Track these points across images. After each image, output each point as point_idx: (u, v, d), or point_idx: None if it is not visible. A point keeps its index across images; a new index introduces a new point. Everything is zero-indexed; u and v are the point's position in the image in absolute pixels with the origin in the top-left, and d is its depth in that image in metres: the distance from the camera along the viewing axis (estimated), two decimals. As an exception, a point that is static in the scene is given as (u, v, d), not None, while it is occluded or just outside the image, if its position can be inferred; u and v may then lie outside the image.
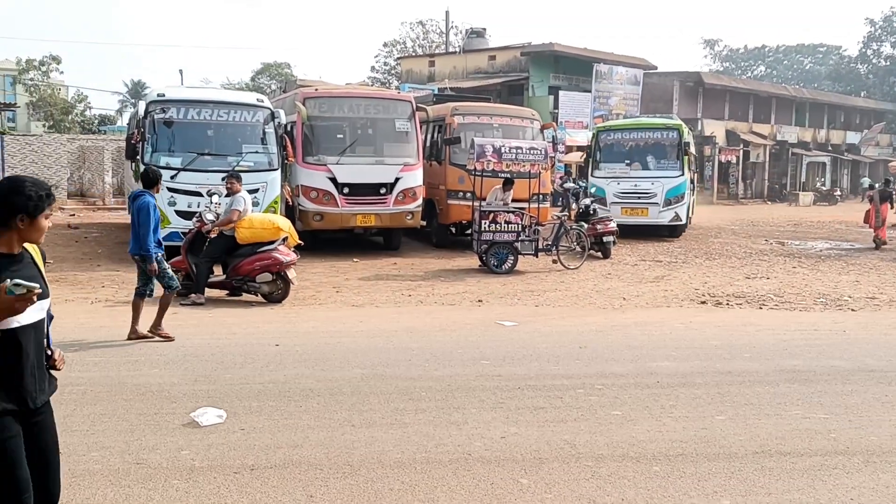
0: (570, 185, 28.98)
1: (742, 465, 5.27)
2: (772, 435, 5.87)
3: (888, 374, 7.74)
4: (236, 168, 13.52)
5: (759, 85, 54.13)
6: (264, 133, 14.59)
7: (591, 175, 21.93)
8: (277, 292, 11.11)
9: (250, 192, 12.53)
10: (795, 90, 53.39)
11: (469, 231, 17.76)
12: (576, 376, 7.44)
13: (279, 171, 14.56)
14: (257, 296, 11.13)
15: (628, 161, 21.66)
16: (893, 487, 4.93)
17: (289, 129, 15.43)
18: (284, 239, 11.09)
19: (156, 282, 8.72)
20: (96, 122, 54.83)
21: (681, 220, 21.39)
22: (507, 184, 15.25)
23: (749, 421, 6.21)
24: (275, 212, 13.87)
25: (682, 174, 21.14)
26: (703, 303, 12.10)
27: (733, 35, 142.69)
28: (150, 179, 8.66)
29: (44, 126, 48.05)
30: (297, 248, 11.60)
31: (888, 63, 65.17)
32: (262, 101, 15.19)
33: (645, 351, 8.61)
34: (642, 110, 37.32)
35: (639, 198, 21.06)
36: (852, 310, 11.62)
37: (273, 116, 14.64)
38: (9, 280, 2.85)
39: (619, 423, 6.13)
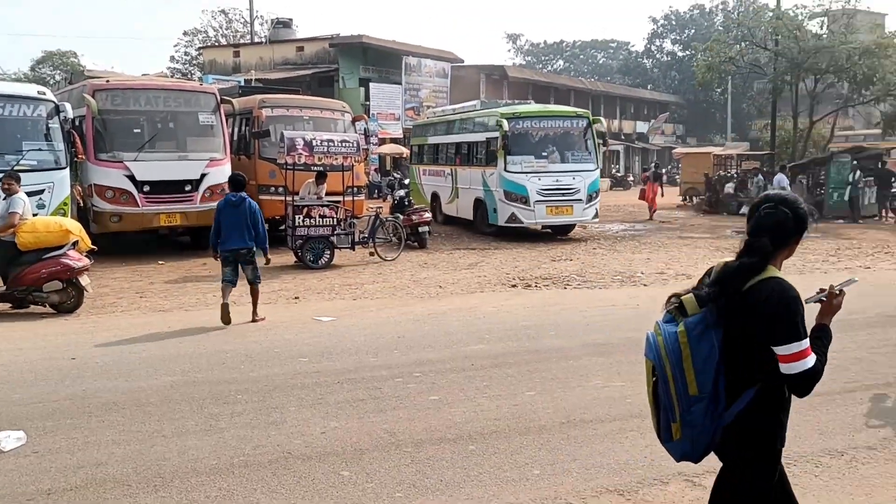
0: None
1: (550, 437, 5.54)
2: (576, 406, 6.22)
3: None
4: (15, 167, 12.36)
5: (558, 78, 57.04)
6: (48, 128, 13.35)
7: (505, 170, 18.26)
8: (69, 302, 10.30)
9: (35, 192, 11.64)
10: (591, 83, 56.78)
11: (282, 227, 17.42)
12: (394, 366, 7.50)
13: (67, 169, 13.49)
14: (45, 306, 10.28)
15: (544, 153, 18.70)
16: (685, 445, 5.36)
17: (77, 124, 14.39)
18: (75, 243, 10.29)
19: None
20: None
21: (597, 218, 19.77)
22: (321, 177, 15.08)
23: (556, 394, 6.53)
24: (65, 214, 12.84)
25: (597, 166, 19.34)
26: (514, 286, 12.57)
27: (534, 30, 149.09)
28: None
29: None
30: (92, 253, 10.84)
31: (669, 58, 70.60)
32: (45, 94, 13.92)
33: (460, 336, 8.83)
34: (451, 102, 38.17)
35: (563, 195, 18.41)
36: (644, 285, 12.52)
37: (58, 110, 13.42)
38: None
39: (436, 407, 6.24)
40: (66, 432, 5.64)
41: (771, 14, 31.40)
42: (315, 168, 15.20)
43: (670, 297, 2.98)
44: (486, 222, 19.40)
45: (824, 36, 29.99)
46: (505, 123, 18.10)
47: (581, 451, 5.26)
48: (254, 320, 9.77)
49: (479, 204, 19.73)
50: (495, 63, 50.89)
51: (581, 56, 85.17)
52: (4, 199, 10.34)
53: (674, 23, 70.79)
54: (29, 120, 13.37)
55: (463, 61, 44.84)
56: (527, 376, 7.10)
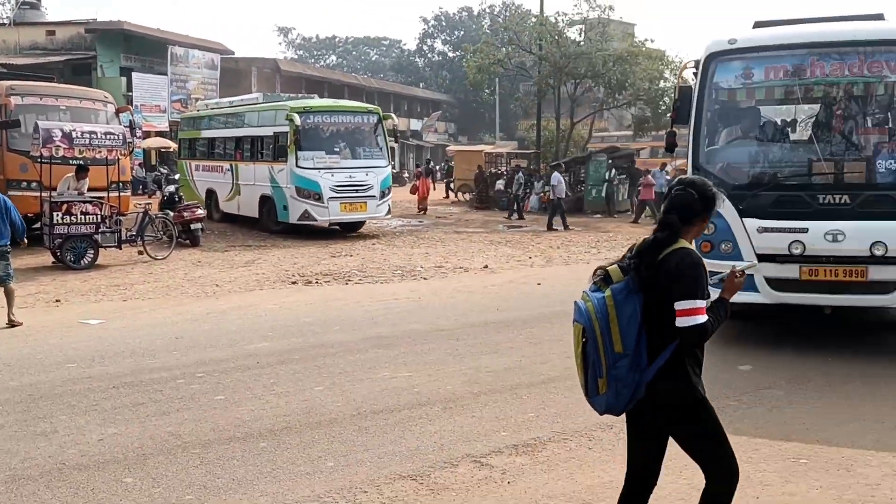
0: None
1: (342, 429, 5.66)
2: (365, 398, 6.39)
3: (456, 331, 8.86)
4: None
5: (332, 73, 57.05)
6: None
7: (296, 166, 17.70)
8: None
9: None
10: (365, 80, 57.30)
11: (38, 225, 16.07)
12: (175, 367, 7.28)
13: None
14: None
15: (337, 149, 18.48)
16: (467, 426, 5.71)
17: None
18: None
19: None
20: None
21: (390, 214, 19.89)
22: (81, 171, 14.09)
23: (345, 387, 6.67)
24: None
25: (388, 163, 19.52)
26: (294, 283, 12.53)
27: (307, 24, 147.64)
28: None
29: None
30: None
31: (441, 58, 72.96)
32: None
33: (242, 334, 8.71)
34: (221, 95, 36.95)
35: (356, 191, 18.27)
36: (424, 279, 12.99)
37: None
38: None
39: (223, 407, 6.16)
40: None
41: (535, 20, 33.44)
42: (74, 162, 14.18)
43: (596, 270, 3.41)
44: (273, 220, 18.79)
45: (582, 43, 32.46)
46: (296, 118, 17.56)
47: (373, 441, 5.42)
48: (11, 324, 9.02)
49: (265, 201, 19.00)
50: (267, 56, 49.99)
51: (354, 52, 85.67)
52: None
53: (444, 24, 73.15)
54: None
55: (233, 53, 43.58)
56: (314, 371, 7.17)
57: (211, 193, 21.69)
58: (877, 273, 7.18)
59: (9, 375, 6.95)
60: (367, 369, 7.25)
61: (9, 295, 9.25)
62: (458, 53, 67.01)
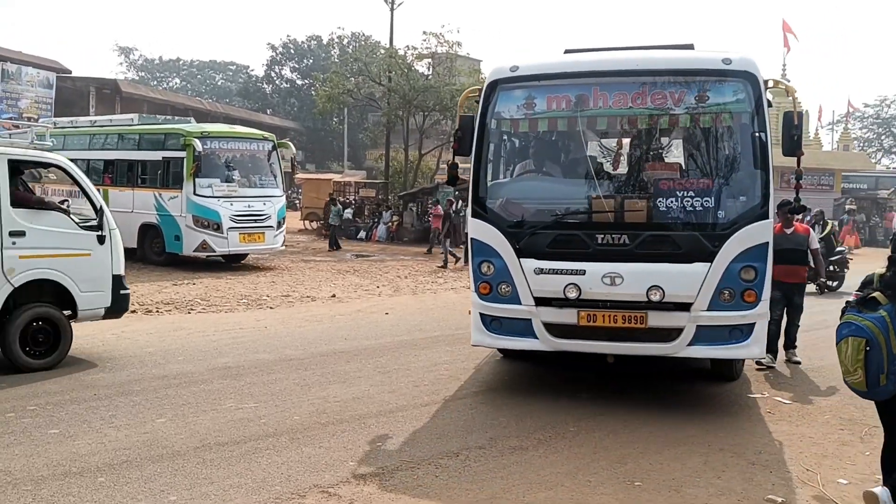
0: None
1: (185, 462, 5.61)
2: (210, 429, 6.35)
3: (304, 361, 8.92)
4: None
5: (176, 97, 55.24)
6: None
7: (194, 193, 16.87)
8: None
9: None
10: (210, 104, 55.84)
11: None
12: (3, 400, 6.93)
13: None
14: None
15: (232, 177, 17.64)
16: (315, 456, 5.79)
17: None
18: None
19: None
20: None
21: (284, 246, 19.44)
22: None
23: (189, 419, 6.60)
24: None
25: (283, 192, 19.03)
26: (134, 311, 12.09)
27: (149, 45, 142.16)
28: None
29: None
30: None
31: (289, 85, 72.36)
32: None
33: (73, 367, 8.36)
34: (56, 115, 35.03)
35: (255, 221, 17.62)
36: (271, 308, 12.91)
37: None
38: None
39: (57, 441, 5.96)
40: None
41: (384, 52, 34.02)
42: None
43: (848, 302, 4.73)
44: (157, 251, 17.78)
45: (430, 77, 33.32)
46: (196, 143, 16.69)
47: (218, 474, 5.40)
48: None
49: (147, 230, 17.90)
50: (106, 77, 47.85)
51: (199, 76, 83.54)
52: None
53: (292, 51, 72.59)
54: None
55: (70, 72, 41.46)
56: (156, 402, 7.03)
57: None
58: (657, 319, 6.77)
59: None
60: (212, 400, 7.19)
61: None
62: (306, 81, 66.82)
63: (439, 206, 23.92)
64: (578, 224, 7.10)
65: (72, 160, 20.02)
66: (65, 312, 8.44)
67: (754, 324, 6.77)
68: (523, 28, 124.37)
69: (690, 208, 6.78)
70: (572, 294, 6.84)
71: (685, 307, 6.71)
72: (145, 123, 19.68)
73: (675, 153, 7.43)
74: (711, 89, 6.87)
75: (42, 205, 8.67)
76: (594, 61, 7.48)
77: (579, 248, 6.91)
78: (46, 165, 9.40)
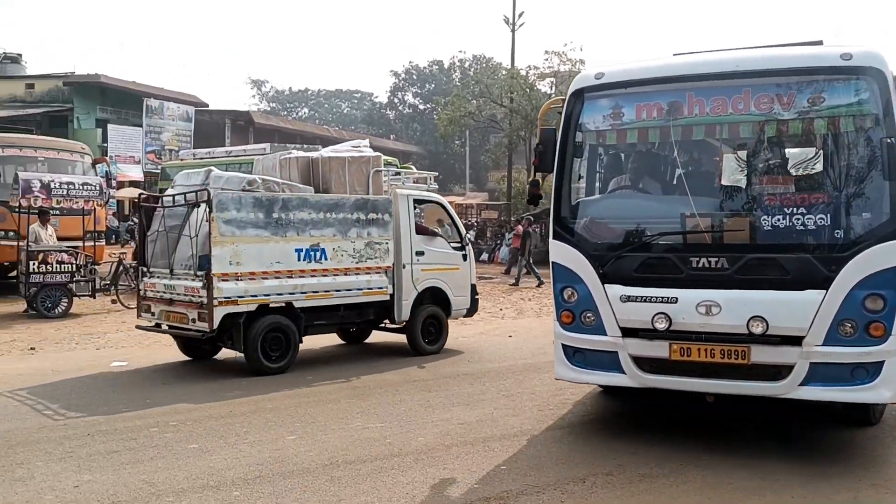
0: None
1: (315, 479, 5.77)
2: (338, 447, 6.52)
3: (428, 383, 9.05)
4: None
5: (304, 125, 57.54)
6: None
7: None
8: None
9: None
10: (336, 132, 57.79)
11: (13, 274, 16.08)
12: (149, 416, 7.38)
13: None
14: None
15: None
16: (439, 478, 5.84)
17: None
18: None
19: None
20: None
21: None
22: (43, 215, 14.15)
23: (317, 437, 6.81)
24: None
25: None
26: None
27: (279, 77, 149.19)
28: None
29: None
30: None
31: (411, 110, 74.02)
32: None
33: (221, 384, 8.81)
34: (195, 146, 37.22)
35: None
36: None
37: None
38: None
39: (196, 455, 6.27)
40: None
41: (505, 73, 34.28)
42: (54, 212, 14.39)
43: None
44: None
45: (553, 96, 33.32)
46: (254, 165, 17.32)
47: (345, 491, 5.53)
48: None
49: None
50: (240, 109, 50.43)
51: (326, 105, 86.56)
52: None
53: (415, 77, 74.22)
54: None
55: (207, 105, 44.00)
56: (287, 420, 7.30)
57: None
58: (762, 355, 5.92)
59: (-16, 424, 7.02)
60: (340, 419, 7.40)
61: None
62: (428, 106, 68.06)
63: (520, 226, 23.61)
64: (670, 246, 6.37)
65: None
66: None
67: (883, 362, 5.73)
68: (649, 43, 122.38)
69: (801, 227, 5.94)
70: (661, 325, 6.15)
71: (795, 341, 5.85)
72: (275, 152, 20.47)
73: (784, 164, 6.43)
74: (828, 90, 5.99)
75: (430, 232, 11.32)
76: (687, 63, 6.67)
77: (671, 272, 6.23)
78: (431, 202, 11.89)
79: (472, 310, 11.68)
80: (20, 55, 42.62)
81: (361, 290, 10.03)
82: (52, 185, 13.80)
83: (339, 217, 9.80)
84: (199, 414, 7.48)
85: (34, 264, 13.37)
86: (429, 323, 10.91)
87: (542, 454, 6.41)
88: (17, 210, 13.95)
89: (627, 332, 6.34)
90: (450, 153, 64.75)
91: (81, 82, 37.05)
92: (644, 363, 6.33)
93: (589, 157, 7.04)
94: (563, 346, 6.78)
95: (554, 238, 6.85)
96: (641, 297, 6.25)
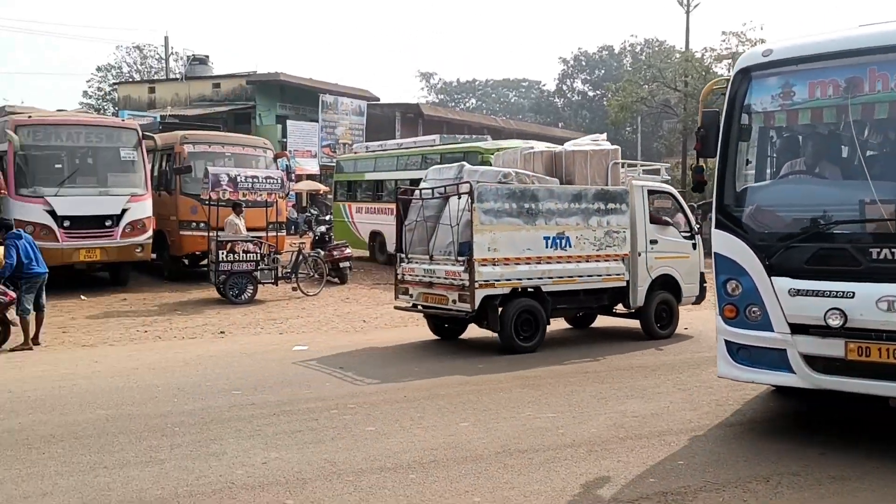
0: None
1: (487, 465, 5.80)
2: (510, 435, 6.52)
3: (601, 374, 8.89)
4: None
5: (472, 116, 58.12)
6: (-30, 164, 13.24)
7: None
8: (-5, 337, 10.17)
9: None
10: (504, 121, 57.96)
11: (204, 262, 17.31)
12: (328, 398, 7.68)
13: (-11, 204, 13.26)
14: (-29, 340, 10.09)
15: None
16: (614, 470, 5.71)
17: (-1, 159, 14.11)
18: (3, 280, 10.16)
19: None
20: None
21: None
22: (237, 208, 15.13)
23: (490, 425, 6.83)
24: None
25: None
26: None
27: (447, 69, 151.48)
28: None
29: None
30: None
31: (580, 97, 73.01)
32: (-32, 130, 13.76)
33: (389, 369, 9.07)
34: (367, 139, 38.55)
35: None
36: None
37: (-21, 146, 13.33)
38: None
39: (373, 438, 6.45)
40: (9, 464, 5.63)
41: (679, 56, 33.02)
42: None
43: None
44: None
45: (731, 78, 31.69)
46: (492, 159, 17.61)
47: (518, 479, 5.52)
48: (36, 344, 10.40)
49: None
50: (410, 101, 51.64)
51: (493, 95, 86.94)
52: None
53: (584, 63, 73.09)
54: None
55: (379, 99, 45.34)
56: (459, 407, 7.38)
57: (375, 235, 21.55)
58: None
59: (183, 400, 7.56)
60: (512, 408, 7.39)
61: (41, 321, 10.62)
62: (598, 93, 66.86)
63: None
64: (846, 236, 5.91)
65: (382, 180, 21.97)
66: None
67: None
68: (842, 20, 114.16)
69: None
70: (835, 321, 5.68)
71: None
72: (446, 143, 20.84)
73: None
74: None
75: (663, 222, 11.56)
76: (867, 35, 6.05)
77: (847, 264, 5.75)
78: (663, 192, 12.18)
79: (701, 297, 11.97)
80: (207, 57, 45.77)
81: (601, 276, 10.63)
82: (239, 179, 14.69)
83: (582, 207, 10.44)
84: (375, 398, 7.71)
85: (223, 253, 14.29)
86: (661, 309, 11.34)
87: (722, 450, 6.12)
88: (207, 202, 14.97)
89: (797, 329, 5.94)
90: (620, 140, 63.05)
91: (263, 81, 39.28)
92: (816, 362, 5.90)
93: (756, 140, 6.65)
94: (727, 342, 6.44)
95: (717, 227, 6.51)
96: (813, 290, 5.85)
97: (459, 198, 9.95)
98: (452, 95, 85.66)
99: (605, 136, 12.30)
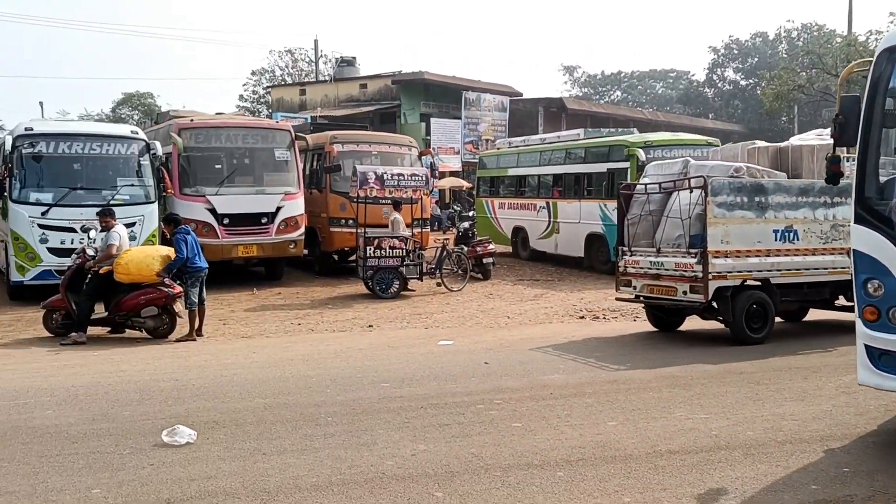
0: None
1: (637, 466, 5.65)
2: (661, 436, 6.32)
3: (755, 375, 8.45)
4: (111, 202, 13.23)
5: (617, 109, 57.00)
6: (139, 165, 14.30)
7: None
8: (163, 327, 10.87)
9: (127, 225, 12.24)
10: (651, 113, 56.48)
11: (352, 258, 17.86)
12: (474, 392, 7.73)
13: (156, 203, 14.27)
14: (142, 331, 10.84)
15: None
16: (771, 475, 5.43)
17: (164, 160, 15.13)
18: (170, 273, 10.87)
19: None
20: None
21: None
22: (397, 206, 15.61)
23: (639, 424, 6.66)
24: (152, 244, 13.54)
25: None
26: (582, 318, 12.71)
27: (590, 61, 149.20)
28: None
29: None
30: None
31: (731, 87, 70.08)
32: (137, 133, 14.88)
33: (535, 365, 9.02)
34: (509, 135, 38.57)
35: None
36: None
37: (148, 148, 14.36)
38: None
39: (520, 434, 6.43)
40: (175, 448, 6.01)
41: (840, 40, 31.12)
42: (384, 201, 15.72)
43: None
44: (602, 259, 18.07)
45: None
46: (641, 153, 16.86)
47: (670, 481, 5.36)
48: (199, 335, 10.97)
49: (593, 239, 18.32)
50: (552, 96, 51.20)
51: (639, 86, 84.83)
52: (101, 231, 11.03)
53: (735, 52, 70.17)
54: (123, 158, 14.31)
55: (521, 95, 45.24)
56: (607, 406, 7.24)
57: (518, 231, 21.56)
58: None
59: (335, 391, 7.82)
60: (662, 408, 7.17)
61: (203, 313, 11.14)
62: (751, 81, 63.98)
63: None
64: None
65: (525, 175, 21.90)
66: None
67: None
68: None
69: None
70: None
71: None
72: (590, 137, 20.50)
73: None
74: None
75: None
76: None
77: None
78: None
79: None
80: (354, 58, 47.33)
81: (826, 269, 10.63)
82: (385, 177, 15.06)
83: (809, 201, 10.57)
84: (521, 394, 7.68)
85: (370, 249, 14.69)
86: (754, 310, 10.55)
87: (892, 458, 5.71)
88: (355, 200, 15.43)
89: None
90: (776, 131, 60.35)
91: (407, 80, 40.14)
92: None
93: None
94: (867, 346, 5.94)
95: (856, 222, 6.02)
96: None
97: (691, 192, 10.23)
98: (597, 88, 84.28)
99: (828, 130, 11.84)
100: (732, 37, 70.52)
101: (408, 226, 15.85)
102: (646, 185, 11.26)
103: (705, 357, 9.46)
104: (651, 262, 10.73)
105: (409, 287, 15.54)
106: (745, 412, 6.99)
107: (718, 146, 18.01)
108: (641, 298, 11.18)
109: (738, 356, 9.44)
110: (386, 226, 15.61)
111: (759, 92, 36.22)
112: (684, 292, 10.18)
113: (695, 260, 10.01)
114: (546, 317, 12.81)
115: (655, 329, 11.38)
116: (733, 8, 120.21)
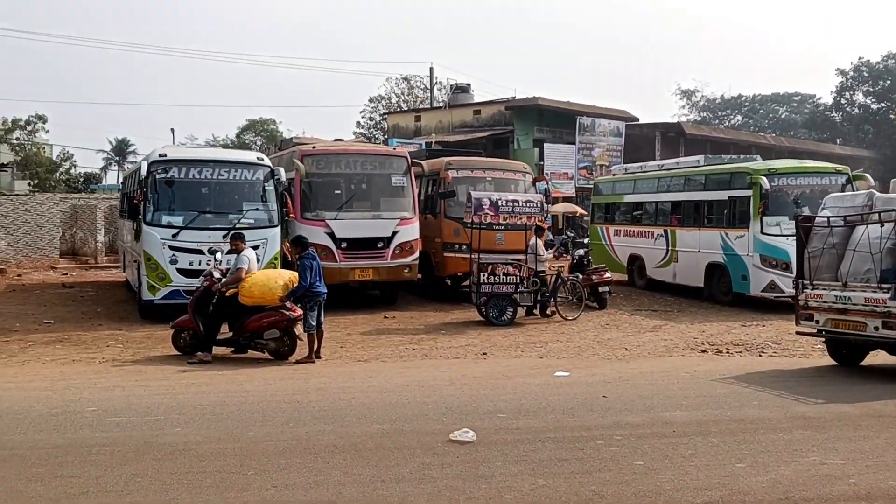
0: None
1: (769, 513, 5.36)
2: (793, 481, 5.98)
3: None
4: (237, 226, 13.76)
5: (738, 134, 55.19)
6: (264, 190, 14.85)
7: (761, 232, 16.29)
8: (284, 348, 11.16)
9: (252, 248, 12.66)
10: (774, 139, 54.42)
11: (465, 283, 17.89)
12: (593, 427, 7.54)
13: (279, 227, 14.75)
14: (264, 353, 11.17)
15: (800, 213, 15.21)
16: (920, 531, 5.05)
17: (288, 185, 15.64)
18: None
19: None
20: (81, 179, 54.78)
21: None
22: (539, 231, 15.84)
23: (769, 468, 6.32)
24: (275, 268, 13.97)
25: None
26: (704, 351, 12.26)
27: (710, 85, 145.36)
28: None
29: (29, 185, 47.95)
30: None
31: (861, 111, 66.78)
32: (263, 160, 15.48)
33: (656, 400, 8.72)
34: (625, 160, 37.99)
35: None
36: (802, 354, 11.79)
37: (273, 174, 14.90)
38: None
39: (642, 472, 6.21)
40: (297, 470, 6.11)
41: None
42: (497, 227, 15.71)
43: None
44: (723, 290, 17.59)
45: None
46: (764, 181, 16.27)
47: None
48: (318, 357, 11.18)
49: (714, 269, 17.80)
50: (670, 121, 50.15)
51: (761, 110, 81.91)
52: (229, 252, 11.48)
53: (865, 74, 66.91)
54: (249, 183, 14.90)
55: (637, 119, 44.55)
56: (734, 447, 6.90)
57: (634, 259, 21.18)
58: None
59: (451, 420, 7.76)
60: (793, 451, 6.78)
61: (322, 336, 11.34)
62: (883, 105, 60.77)
63: None
64: None
65: (641, 202, 21.49)
66: None
67: None
68: None
69: None
70: None
71: None
72: (710, 164, 19.88)
73: None
74: None
75: None
76: None
77: None
78: None
79: None
80: (469, 85, 48.02)
81: None
82: (500, 203, 15.04)
83: None
84: (642, 430, 7.44)
85: (484, 275, 14.67)
86: None
87: None
88: (469, 225, 15.47)
89: None
90: (909, 155, 57.15)
91: (521, 106, 40.22)
92: None
93: None
94: None
95: None
96: None
97: (882, 225, 10.04)
98: (716, 112, 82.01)
99: None
100: (862, 59, 67.18)
101: (521, 252, 15.74)
102: (828, 217, 10.96)
103: (845, 397, 8.93)
104: (836, 296, 10.40)
105: (534, 312, 15.61)
106: (887, 458, 6.56)
107: (849, 173, 17.20)
108: (824, 333, 10.80)
109: (879, 396, 8.86)
110: (499, 251, 15.58)
111: (892, 116, 34.22)
112: (876, 328, 9.80)
113: (888, 295, 9.67)
114: (666, 349, 12.41)
115: (836, 363, 11.08)
116: (861, 28, 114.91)
